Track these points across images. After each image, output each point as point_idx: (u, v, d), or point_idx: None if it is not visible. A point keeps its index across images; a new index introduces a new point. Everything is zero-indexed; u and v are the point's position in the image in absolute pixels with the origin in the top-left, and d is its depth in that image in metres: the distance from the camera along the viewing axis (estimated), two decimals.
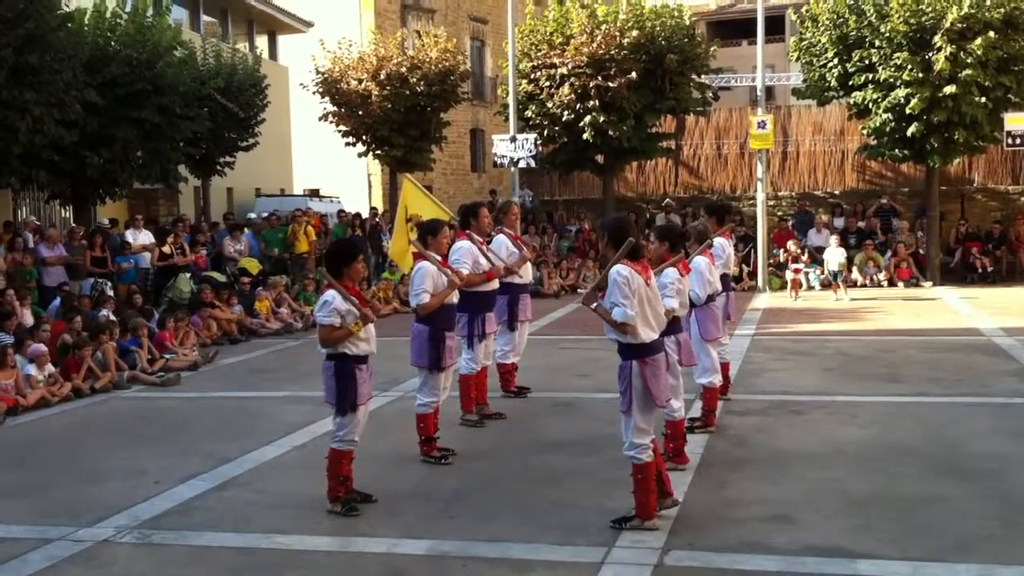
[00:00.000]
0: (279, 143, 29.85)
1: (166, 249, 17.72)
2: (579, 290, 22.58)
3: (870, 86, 20.95)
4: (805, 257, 22.01)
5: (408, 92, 23.82)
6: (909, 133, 20.65)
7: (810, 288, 21.50)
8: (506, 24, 23.82)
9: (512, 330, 10.58)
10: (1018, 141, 20.84)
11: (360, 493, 7.38)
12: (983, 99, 20.15)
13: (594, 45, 22.63)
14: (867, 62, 20.81)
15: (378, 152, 25.06)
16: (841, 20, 21.14)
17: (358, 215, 23.72)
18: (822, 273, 21.70)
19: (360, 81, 23.95)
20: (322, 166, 31.03)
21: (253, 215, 22.67)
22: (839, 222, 24.31)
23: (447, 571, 6.11)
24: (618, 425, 6.82)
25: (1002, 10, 19.92)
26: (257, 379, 13.17)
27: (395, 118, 24.00)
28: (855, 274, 21.94)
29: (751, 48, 26.83)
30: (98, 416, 11.27)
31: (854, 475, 7.79)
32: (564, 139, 23.91)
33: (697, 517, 6.89)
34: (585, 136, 22.90)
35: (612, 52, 22.58)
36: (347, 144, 25.31)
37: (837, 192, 26.66)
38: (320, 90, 24.66)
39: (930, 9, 20.03)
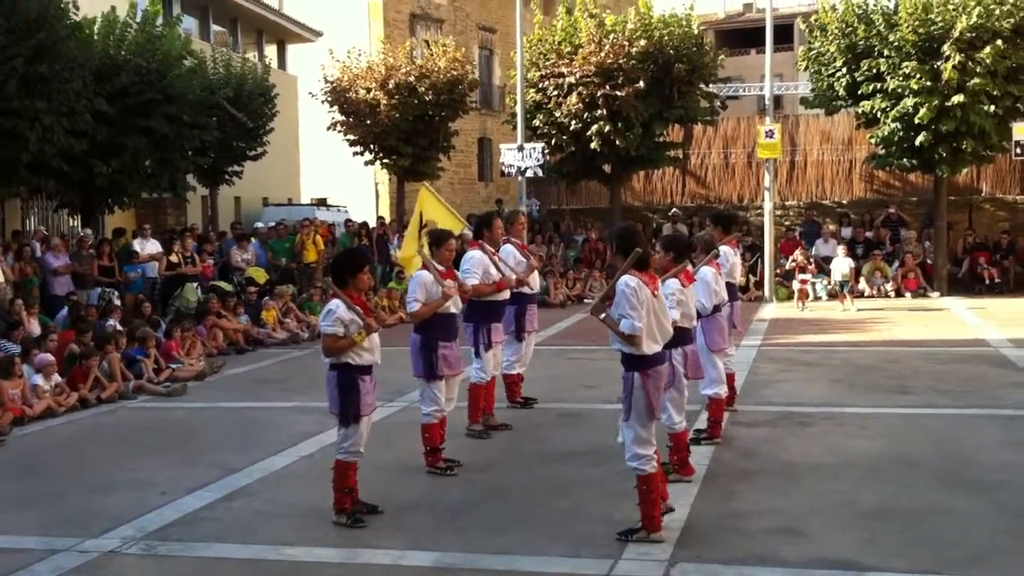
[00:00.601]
0: (287, 152, 29.93)
1: (174, 258, 17.74)
2: (585, 300, 22.57)
3: (878, 95, 20.94)
4: (812, 267, 21.96)
5: (416, 101, 23.86)
6: (917, 143, 20.63)
7: (817, 298, 21.45)
8: (514, 33, 23.88)
9: (519, 340, 10.56)
10: None
11: (366, 504, 7.37)
12: (992, 108, 20.12)
13: (602, 54, 22.65)
14: (875, 71, 20.80)
15: (386, 161, 25.09)
16: (850, 29, 21.14)
17: (365, 224, 23.73)
18: (829, 283, 21.66)
19: (368, 90, 24.00)
20: (329, 175, 31.09)
21: (260, 224, 22.71)
22: (847, 232, 24.25)
23: None
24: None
25: (1011, 19, 19.89)
26: (264, 389, 13.17)
27: (403, 127, 24.03)
28: (862, 284, 21.89)
29: (759, 57, 26.89)
30: (104, 426, 11.28)
31: (862, 487, 7.76)
32: (571, 148, 23.91)
33: (704, 529, 6.87)
34: (592, 145, 22.90)
35: (620, 61, 22.59)
36: (355, 153, 25.35)
37: (845, 202, 26.62)
38: (328, 99, 24.72)
39: (939, 18, 20.02)
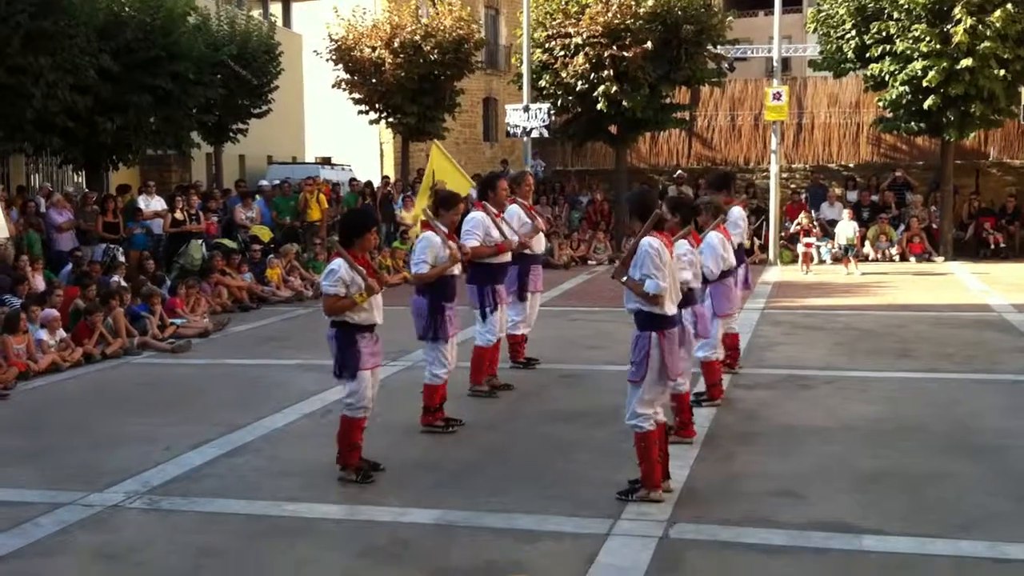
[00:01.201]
0: (292, 111, 29.79)
1: (178, 215, 17.74)
2: (589, 261, 22.60)
3: (887, 58, 20.77)
4: (817, 231, 21.91)
5: (422, 60, 23.73)
6: (925, 106, 20.49)
7: (821, 262, 21.43)
8: None
9: (522, 300, 10.55)
10: None
11: (367, 461, 7.41)
12: (1001, 72, 19.97)
13: (609, 14, 22.46)
14: (884, 34, 20.62)
15: (391, 120, 25.00)
16: None
17: (369, 183, 23.69)
18: (834, 247, 21.63)
19: (374, 49, 23.87)
20: (334, 134, 30.96)
21: (265, 182, 22.69)
22: (852, 195, 24.17)
23: (455, 541, 6.15)
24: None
25: None
26: (268, 347, 13.21)
27: (408, 86, 23.93)
28: (867, 248, 21.86)
29: (768, 19, 26.70)
30: (109, 382, 11.34)
31: (862, 451, 7.79)
32: (578, 109, 23.78)
33: (703, 490, 6.92)
34: (599, 106, 22.76)
35: (627, 22, 22.39)
36: (360, 112, 25.26)
37: (851, 165, 26.50)
38: (333, 57, 24.59)
39: None
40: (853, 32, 21.36)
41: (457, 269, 8.74)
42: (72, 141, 17.09)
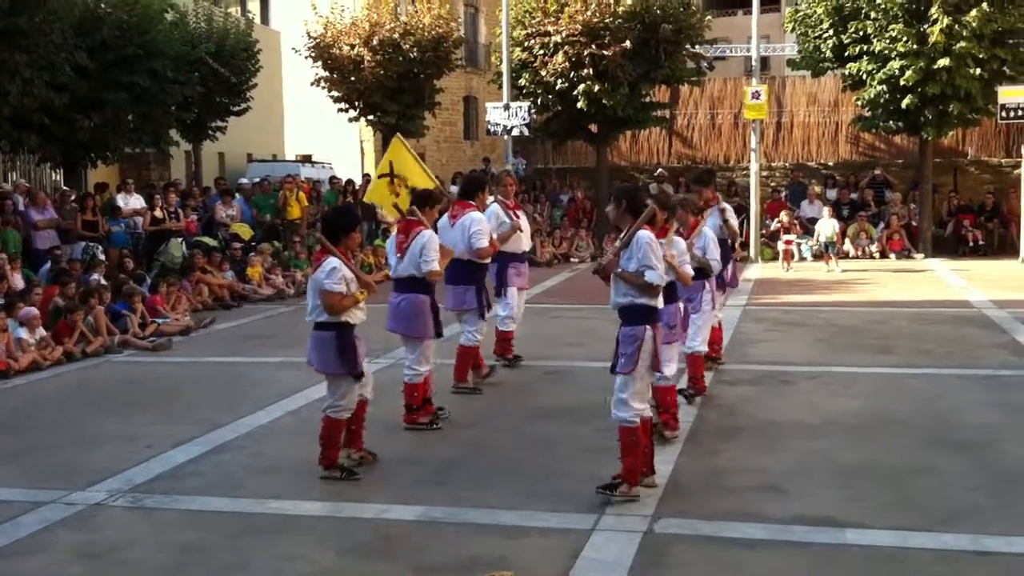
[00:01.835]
0: (271, 108, 29.69)
1: (158, 213, 17.63)
2: (571, 259, 22.61)
3: (865, 57, 20.92)
4: (797, 228, 22.03)
5: (401, 58, 23.65)
6: (903, 105, 20.65)
7: (802, 259, 21.53)
8: None
9: (498, 296, 10.57)
10: (1012, 114, 20.80)
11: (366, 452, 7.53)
12: (978, 71, 20.11)
13: (588, 13, 22.48)
14: (862, 33, 20.76)
15: (370, 118, 24.93)
16: None
17: (350, 182, 23.62)
18: (814, 244, 21.73)
19: (352, 47, 23.77)
20: (314, 132, 30.85)
21: (245, 180, 22.59)
22: (832, 193, 24.29)
23: (439, 536, 6.15)
24: (611, 393, 6.83)
25: None
26: (250, 345, 13.16)
27: (388, 84, 23.84)
28: (847, 245, 21.99)
29: (746, 18, 26.78)
30: (90, 380, 11.27)
31: (844, 446, 7.84)
32: (558, 108, 23.81)
33: (687, 485, 6.94)
34: (579, 105, 22.78)
35: (606, 20, 22.42)
36: (339, 110, 25.18)
37: (830, 163, 26.64)
38: (312, 55, 24.49)
39: None
40: (831, 32, 21.50)
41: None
42: (49, 139, 16.96)
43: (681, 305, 8.04)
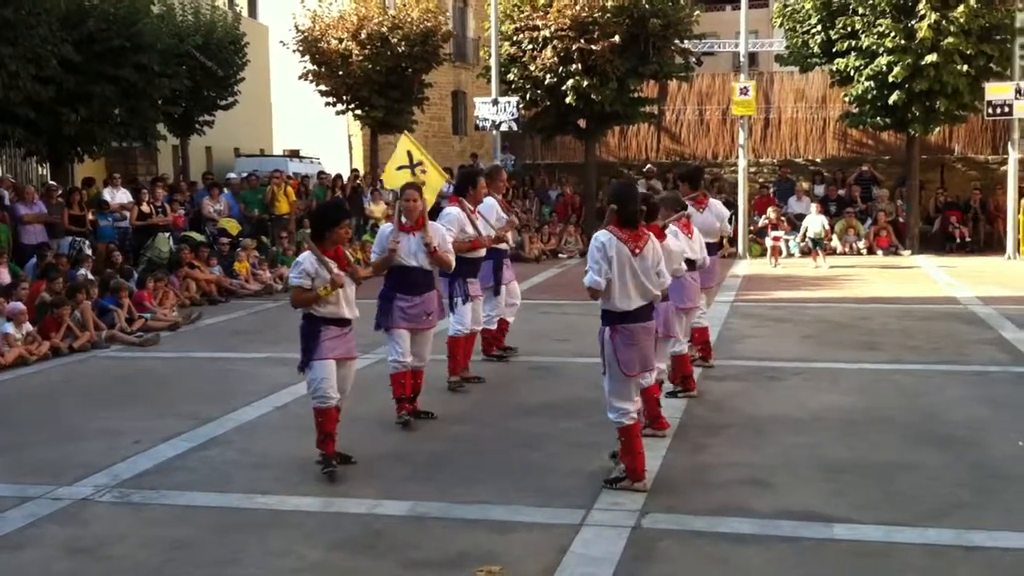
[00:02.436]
0: (259, 102, 29.62)
1: (145, 208, 17.57)
2: (560, 255, 22.63)
3: (853, 53, 20.96)
4: (785, 224, 22.07)
5: (389, 53, 23.66)
6: (891, 101, 20.70)
7: (790, 255, 21.58)
8: None
9: (496, 295, 10.59)
10: (999, 111, 20.86)
11: (340, 454, 7.39)
12: (965, 68, 20.18)
13: (577, 8, 22.47)
14: (850, 29, 20.80)
15: (358, 112, 24.89)
16: None
17: (339, 176, 23.59)
18: (802, 240, 21.78)
19: (340, 40, 23.75)
20: (302, 127, 30.84)
21: (232, 175, 22.53)
22: (820, 190, 24.34)
23: (427, 532, 6.15)
24: (599, 389, 6.86)
25: None
26: (237, 340, 13.13)
27: (376, 78, 23.84)
28: (835, 242, 22.04)
29: (735, 13, 26.79)
30: (77, 375, 11.23)
31: (831, 441, 7.86)
32: (546, 103, 23.79)
33: (675, 481, 6.95)
34: (567, 100, 22.79)
35: (595, 15, 22.42)
36: (327, 104, 25.13)
37: (818, 160, 26.72)
38: (300, 49, 24.44)
39: None
40: (819, 27, 21.53)
41: (416, 261, 8.64)
42: (36, 132, 16.89)
43: (661, 307, 8.02)
